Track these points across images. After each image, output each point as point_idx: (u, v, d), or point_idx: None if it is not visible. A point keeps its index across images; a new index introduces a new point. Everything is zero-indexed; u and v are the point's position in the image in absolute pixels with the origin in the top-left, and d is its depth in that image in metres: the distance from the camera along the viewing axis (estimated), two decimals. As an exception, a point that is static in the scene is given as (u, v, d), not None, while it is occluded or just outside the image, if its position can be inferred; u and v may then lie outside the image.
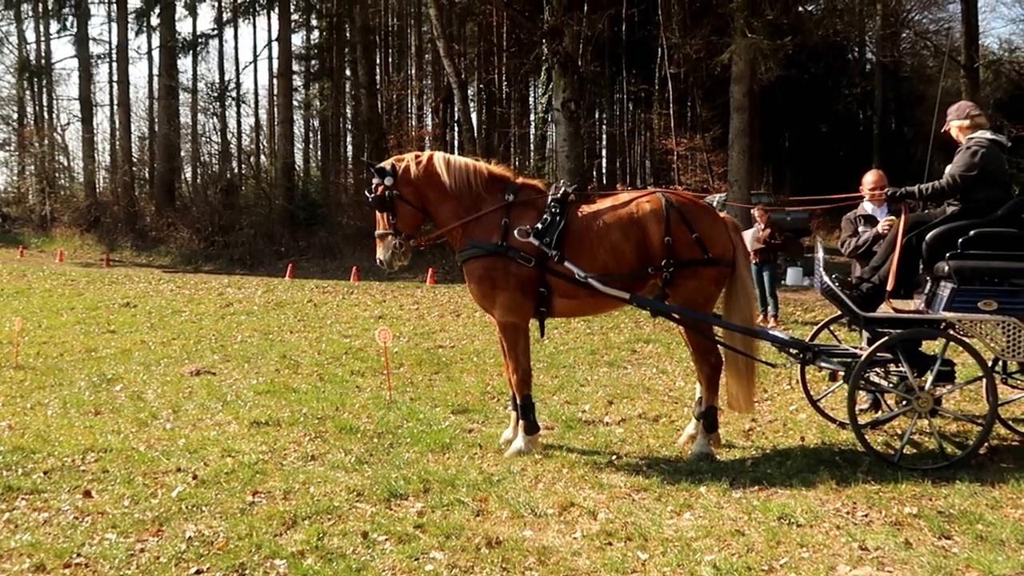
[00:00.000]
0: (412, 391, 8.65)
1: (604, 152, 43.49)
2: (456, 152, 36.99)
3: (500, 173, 6.76)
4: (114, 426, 7.38)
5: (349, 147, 40.86)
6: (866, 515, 5.15)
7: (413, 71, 39.18)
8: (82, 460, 6.42)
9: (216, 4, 40.67)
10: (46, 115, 42.78)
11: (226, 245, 30.24)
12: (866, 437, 6.27)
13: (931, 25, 39.89)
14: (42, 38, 42.52)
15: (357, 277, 22.77)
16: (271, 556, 4.65)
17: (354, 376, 9.48)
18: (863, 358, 6.20)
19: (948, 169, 6.44)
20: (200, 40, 40.49)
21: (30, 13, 41.81)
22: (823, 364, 6.61)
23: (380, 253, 6.73)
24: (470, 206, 6.57)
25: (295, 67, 38.44)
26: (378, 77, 36.67)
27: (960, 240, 6.10)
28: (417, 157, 6.78)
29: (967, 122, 6.52)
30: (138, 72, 50.14)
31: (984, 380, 6.13)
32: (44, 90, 43.33)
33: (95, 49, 40.88)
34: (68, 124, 43.16)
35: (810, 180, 34.03)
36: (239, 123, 42.27)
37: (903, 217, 6.47)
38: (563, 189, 6.58)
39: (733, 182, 23.28)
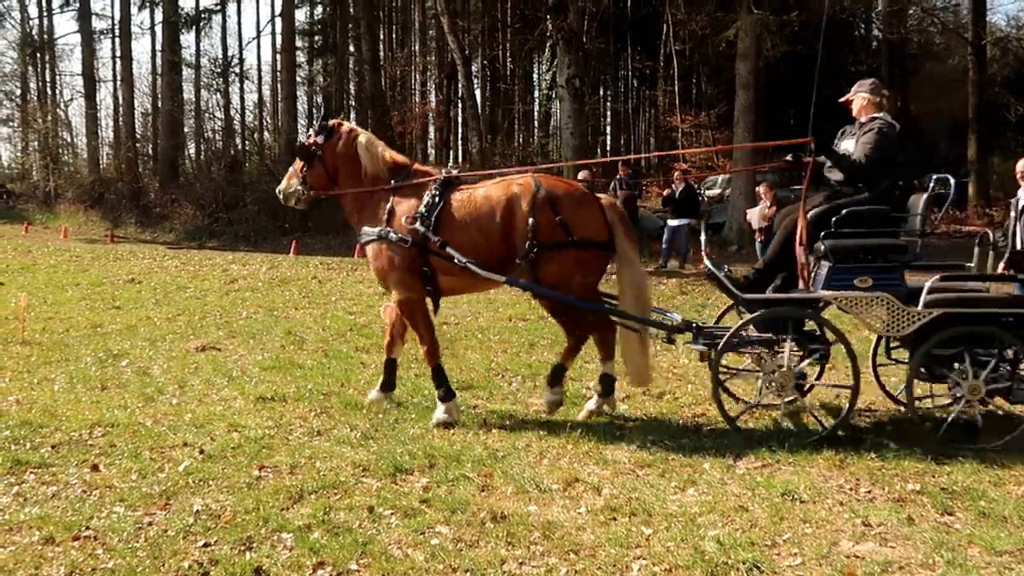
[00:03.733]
0: (417, 367, 8.66)
1: (609, 129, 43.37)
2: (461, 129, 36.94)
3: (399, 160, 7.18)
4: (120, 401, 7.41)
5: (352, 122, 40.87)
6: (869, 491, 5.18)
7: (417, 47, 39.06)
8: (89, 434, 6.46)
9: (219, -21, 40.50)
10: (49, 91, 42.72)
11: (230, 222, 30.17)
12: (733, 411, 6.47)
13: (938, 2, 39.66)
14: (44, 13, 42.47)
15: (361, 254, 22.76)
16: (278, 530, 4.69)
17: (359, 352, 9.50)
18: (725, 337, 6.33)
19: (859, 149, 6.42)
20: (203, 15, 40.37)
21: (33, -12, 41.70)
22: (691, 345, 6.70)
23: (282, 184, 7.51)
24: (369, 187, 7.07)
25: (298, 43, 38.31)
26: (382, 53, 36.53)
27: (834, 219, 6.22)
28: (351, 131, 7.30)
29: (877, 99, 6.58)
30: (141, 48, 50.36)
31: (848, 356, 6.18)
32: (47, 66, 43.29)
33: (98, 24, 40.84)
34: (71, 100, 43.17)
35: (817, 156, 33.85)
36: (242, 99, 42.29)
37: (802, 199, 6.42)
38: (445, 174, 6.94)
39: (738, 159, 23.22)
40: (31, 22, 42.83)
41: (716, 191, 26.38)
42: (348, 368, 8.65)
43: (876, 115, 6.51)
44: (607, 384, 6.90)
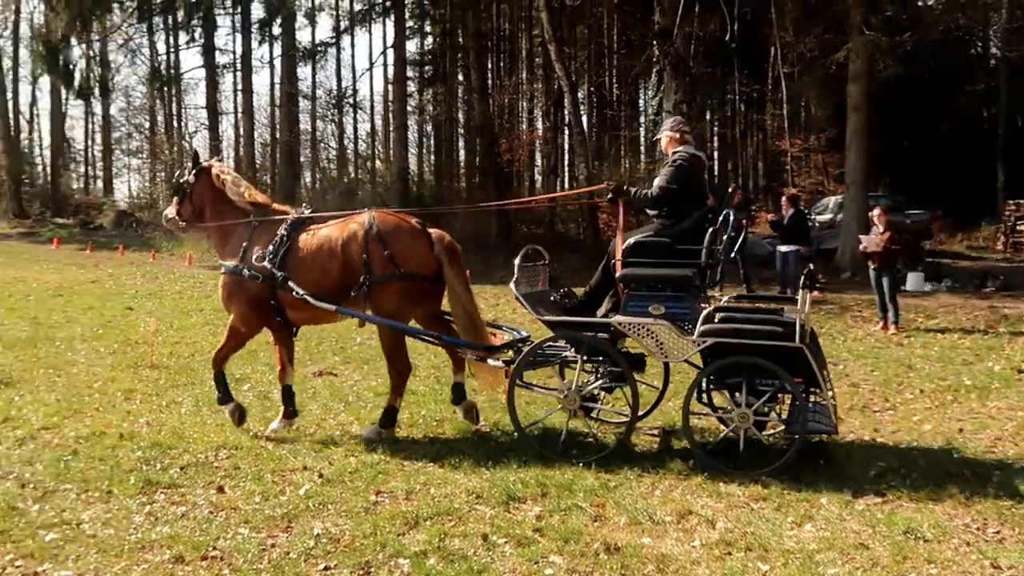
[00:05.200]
0: (528, 395, 8.73)
1: (716, 154, 42.89)
2: (568, 155, 37.11)
3: (260, 200, 7.84)
4: (244, 424, 7.70)
5: (462, 151, 41.46)
6: (998, 532, 5.00)
7: (524, 75, 39.40)
8: (215, 457, 6.74)
9: (334, 13, 41.92)
10: (175, 123, 44.78)
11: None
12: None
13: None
14: (172, 49, 44.57)
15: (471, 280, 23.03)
16: (395, 555, 4.80)
17: (471, 379, 9.62)
18: (519, 359, 6.86)
19: (656, 181, 6.88)
20: (319, 48, 41.79)
21: (161, 25, 43.84)
22: (491, 362, 7.23)
23: (166, 211, 8.37)
24: (228, 223, 7.80)
25: (409, 73, 39.19)
26: (490, 81, 37.06)
27: (624, 249, 6.61)
28: (218, 173, 7.96)
29: (676, 135, 7.00)
30: (260, 81, 52.31)
31: (630, 385, 6.56)
32: (173, 99, 45.37)
33: (221, 59, 42.65)
34: (196, 132, 45.16)
35: (931, 179, 32.73)
36: (355, 129, 43.53)
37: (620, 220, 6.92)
38: (295, 215, 7.61)
39: (851, 183, 22.67)
40: (159, 58, 45.12)
41: (827, 216, 25.76)
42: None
43: (678, 149, 6.89)
44: (457, 392, 7.59)
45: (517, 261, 7.14)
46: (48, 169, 46.42)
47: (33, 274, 23.50)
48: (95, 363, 10.87)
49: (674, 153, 6.89)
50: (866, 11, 21.36)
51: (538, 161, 38.87)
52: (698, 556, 4.72)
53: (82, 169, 51.62)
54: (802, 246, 17.00)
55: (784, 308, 6.81)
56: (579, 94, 33.48)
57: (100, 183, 49.32)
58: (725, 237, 6.74)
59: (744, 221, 18.20)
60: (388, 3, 37.49)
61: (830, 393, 6.58)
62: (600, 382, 6.97)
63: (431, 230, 7.41)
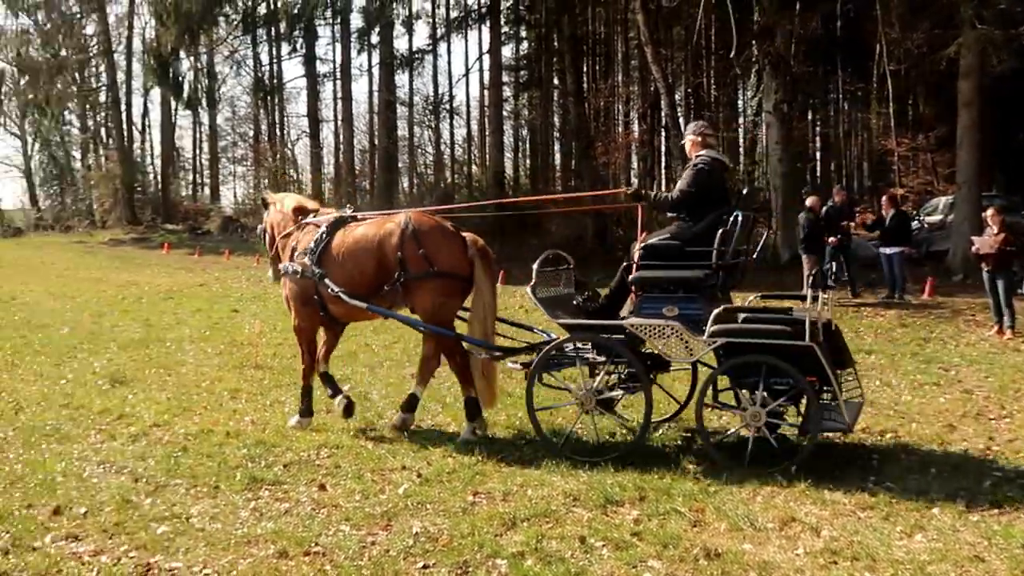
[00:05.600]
0: (624, 398, 8.66)
1: (818, 155, 41.86)
2: (664, 158, 36.75)
3: (306, 206, 8.55)
4: (343, 424, 7.85)
5: (557, 155, 41.47)
6: (1124, 547, 4.73)
7: (620, 77, 39.20)
8: (316, 455, 6.88)
9: (431, 21, 42.40)
10: (278, 131, 45.97)
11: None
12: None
13: None
14: (274, 60, 45.85)
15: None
16: (493, 555, 4.81)
17: (568, 381, 9.59)
18: (537, 358, 7.06)
19: (677, 185, 6.95)
20: (416, 56, 42.31)
21: (264, 37, 45.13)
22: (510, 365, 7.65)
23: (276, 268, 8.42)
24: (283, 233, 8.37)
25: (505, 78, 39.38)
26: (585, 85, 36.94)
27: (637, 252, 6.74)
28: (274, 201, 8.75)
29: (699, 139, 7.02)
30: (359, 88, 53.13)
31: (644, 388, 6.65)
32: (276, 108, 46.60)
33: (321, 68, 43.69)
34: (297, 139, 46.30)
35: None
36: (452, 134, 43.93)
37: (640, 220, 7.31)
38: (336, 215, 8.03)
39: (962, 183, 21.78)
40: (263, 69, 46.45)
41: (937, 217, 24.84)
42: (557, 397, 8.74)
43: (700, 152, 6.92)
44: (470, 408, 7.49)
45: (535, 265, 7.31)
46: (159, 177, 48.19)
47: (145, 278, 24.45)
48: (203, 363, 11.23)
49: (696, 156, 6.93)
50: (977, 4, 20.51)
51: (634, 164, 38.59)
52: (802, 564, 4.60)
53: (190, 177, 53.49)
54: (905, 247, 16.47)
55: (794, 308, 6.82)
56: (676, 96, 33.10)
57: (207, 190, 51.00)
58: (736, 237, 6.67)
59: (849, 224, 17.72)
60: (484, 10, 37.79)
61: (856, 391, 6.68)
62: (620, 383, 7.09)
63: (465, 233, 7.63)
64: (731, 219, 6.60)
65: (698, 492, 5.73)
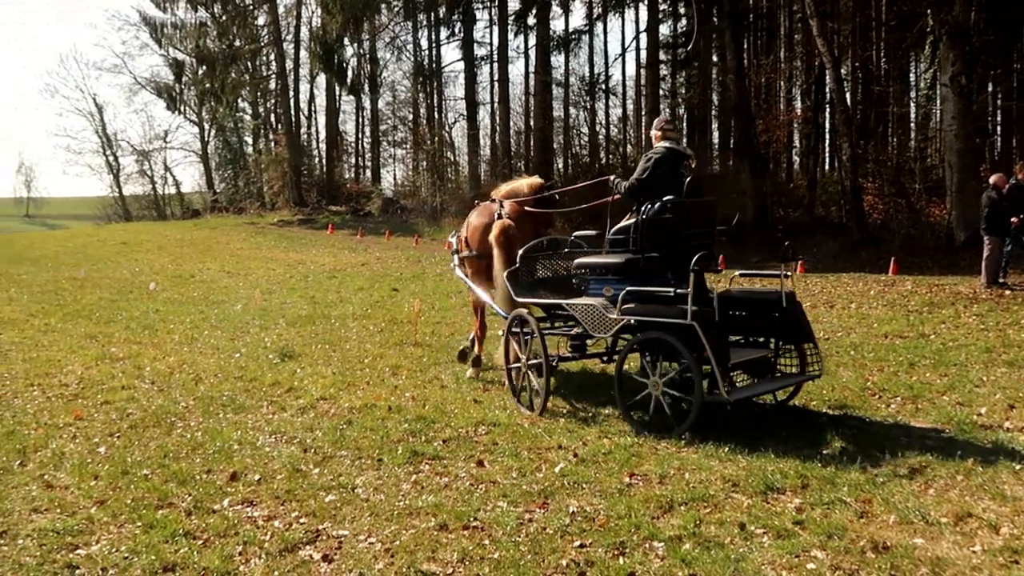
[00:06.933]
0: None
1: (999, 130, 39.29)
2: (829, 135, 35.36)
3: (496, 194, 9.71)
4: (500, 402, 7.95)
5: (715, 134, 40.55)
6: None
7: (783, 53, 37.91)
8: (474, 432, 6.99)
9: (588, 1, 42.12)
10: (436, 115, 46.82)
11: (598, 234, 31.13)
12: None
13: None
14: (433, 44, 46.70)
15: (725, 265, 22.51)
16: (649, 537, 4.77)
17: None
18: (506, 326, 8.21)
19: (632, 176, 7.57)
20: (573, 36, 42.16)
21: (424, 23, 46.03)
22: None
23: None
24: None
25: (662, 56, 38.78)
26: (746, 61, 35.93)
27: (607, 240, 7.58)
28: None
29: (659, 133, 7.66)
30: (515, 70, 53.36)
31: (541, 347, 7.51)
32: (434, 92, 47.49)
33: (478, 51, 44.09)
34: (455, 122, 46.96)
35: None
36: (607, 114, 43.53)
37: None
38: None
39: None
40: (422, 53, 47.43)
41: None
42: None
43: (657, 144, 7.57)
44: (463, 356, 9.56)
45: (521, 251, 8.43)
46: (323, 160, 50.10)
47: (311, 257, 25.48)
48: (365, 340, 11.60)
49: (652, 149, 7.59)
50: None
51: (796, 142, 37.28)
52: (979, 562, 4.34)
53: (353, 160, 55.23)
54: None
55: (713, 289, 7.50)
56: (842, 70, 31.72)
57: (368, 172, 52.50)
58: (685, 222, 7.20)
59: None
60: (642, -13, 37.27)
61: (794, 367, 7.27)
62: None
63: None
64: (674, 206, 7.09)
65: (865, 482, 5.49)
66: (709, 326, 6.52)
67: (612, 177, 7.89)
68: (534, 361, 7.69)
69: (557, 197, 9.63)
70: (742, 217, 27.63)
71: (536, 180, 9.54)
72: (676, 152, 7.52)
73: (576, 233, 8.98)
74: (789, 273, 7.32)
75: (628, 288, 7.02)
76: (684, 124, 42.14)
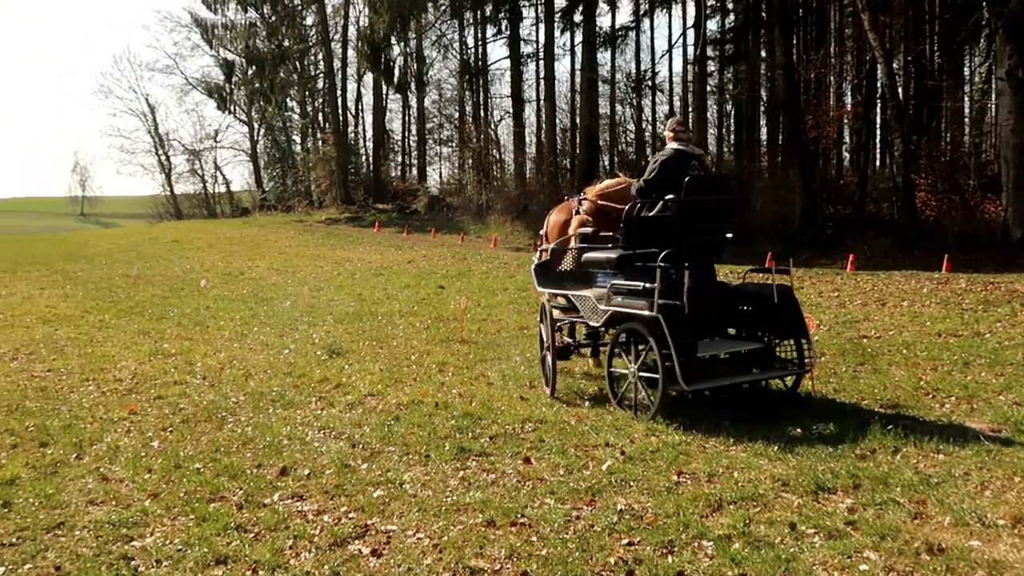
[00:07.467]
0: (836, 382, 8.31)
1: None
2: (879, 131, 34.81)
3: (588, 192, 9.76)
4: (546, 399, 7.94)
5: (763, 129, 40.10)
6: None
7: (833, 48, 37.38)
8: (521, 429, 6.99)
9: (634, -3, 41.90)
10: (482, 112, 46.89)
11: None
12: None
13: None
14: (479, 42, 46.74)
15: (772, 262, 22.29)
16: (698, 536, 4.73)
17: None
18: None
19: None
20: (619, 33, 42.02)
21: (470, 20, 46.11)
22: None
23: None
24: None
25: (710, 52, 38.45)
26: (795, 57, 35.49)
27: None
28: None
29: (671, 134, 7.95)
30: (561, 67, 53.27)
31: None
32: (481, 89, 47.55)
33: (525, 49, 44.08)
34: (501, 120, 47.05)
35: None
36: (654, 111, 43.30)
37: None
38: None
39: None
40: (468, 51, 47.52)
41: None
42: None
43: (667, 145, 7.88)
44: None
45: (553, 245, 9.18)
46: (370, 159, 50.39)
47: (358, 254, 25.67)
48: (412, 337, 11.66)
49: (663, 149, 7.91)
50: None
51: (846, 138, 36.74)
52: (1039, 566, 4.24)
53: (399, 158, 55.57)
54: None
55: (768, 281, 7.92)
56: (894, 64, 31.21)
57: (415, 170, 52.75)
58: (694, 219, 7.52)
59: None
60: (690, -17, 36.99)
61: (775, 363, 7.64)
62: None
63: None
64: (675, 205, 7.41)
65: (918, 483, 5.39)
66: (674, 319, 6.93)
67: (636, 181, 8.23)
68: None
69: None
70: (790, 215, 27.35)
71: (622, 179, 9.72)
72: (684, 153, 7.83)
73: (579, 230, 9.17)
74: (788, 269, 7.98)
75: (612, 282, 7.58)
76: (732, 121, 41.77)
